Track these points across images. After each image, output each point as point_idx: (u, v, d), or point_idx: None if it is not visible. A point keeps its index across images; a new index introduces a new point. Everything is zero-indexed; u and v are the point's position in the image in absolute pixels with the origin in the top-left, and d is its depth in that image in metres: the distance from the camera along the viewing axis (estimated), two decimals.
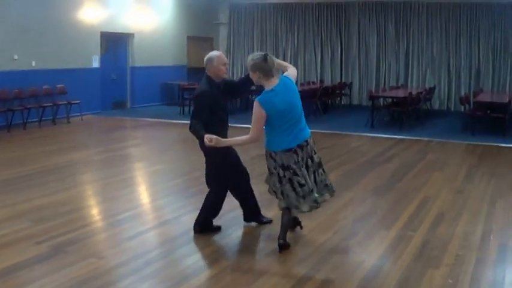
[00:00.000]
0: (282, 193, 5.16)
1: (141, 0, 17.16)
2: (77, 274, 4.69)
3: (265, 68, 5.01)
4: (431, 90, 16.82)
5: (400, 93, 15.20)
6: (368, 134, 12.89)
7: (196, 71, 19.89)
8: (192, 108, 6.28)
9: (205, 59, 5.52)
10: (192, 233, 5.77)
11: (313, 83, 18.24)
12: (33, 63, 13.72)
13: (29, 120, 13.10)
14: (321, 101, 16.40)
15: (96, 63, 15.78)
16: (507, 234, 5.91)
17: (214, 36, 21.23)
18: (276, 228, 5.59)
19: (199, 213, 5.80)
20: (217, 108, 5.45)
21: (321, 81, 18.81)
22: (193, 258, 5.24)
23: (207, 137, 4.96)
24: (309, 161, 5.15)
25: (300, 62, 19.60)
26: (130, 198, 7.37)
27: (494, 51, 17.61)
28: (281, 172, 5.11)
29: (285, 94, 5.03)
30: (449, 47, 18.14)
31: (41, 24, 13.80)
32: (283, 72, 5.31)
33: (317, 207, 5.26)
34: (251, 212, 5.98)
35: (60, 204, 6.81)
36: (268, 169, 5.25)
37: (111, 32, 16.22)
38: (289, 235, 5.39)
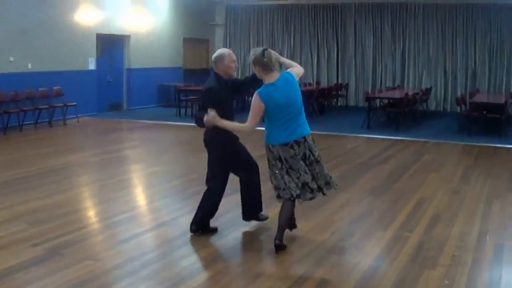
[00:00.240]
0: (285, 183, 5.20)
1: (137, 2, 17.15)
2: (73, 276, 4.68)
3: (263, 63, 5.11)
4: (427, 91, 16.86)
5: (397, 94, 15.22)
6: (364, 135, 12.90)
7: (192, 73, 19.93)
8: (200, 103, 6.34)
9: (214, 56, 5.58)
10: (189, 234, 5.76)
11: (310, 84, 18.24)
12: (29, 66, 13.70)
13: (25, 123, 13.08)
14: (318, 102, 16.40)
15: (92, 65, 15.77)
16: (503, 235, 5.92)
17: (211, 37, 21.23)
18: (272, 229, 5.59)
19: (196, 213, 5.81)
20: (224, 105, 5.48)
21: (317, 82, 18.82)
22: (190, 259, 5.24)
23: (209, 112, 5.19)
24: (309, 155, 5.20)
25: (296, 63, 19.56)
26: (127, 200, 7.36)
27: (491, 52, 17.64)
28: (279, 164, 5.19)
29: (285, 89, 5.12)
30: (445, 48, 18.17)
31: (37, 26, 13.77)
32: (286, 69, 5.38)
33: (313, 197, 5.32)
34: (252, 208, 5.92)
35: (57, 206, 6.80)
36: (268, 161, 5.33)
37: (107, 34, 16.21)
38: (285, 236, 5.39)
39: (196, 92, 16.56)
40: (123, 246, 5.52)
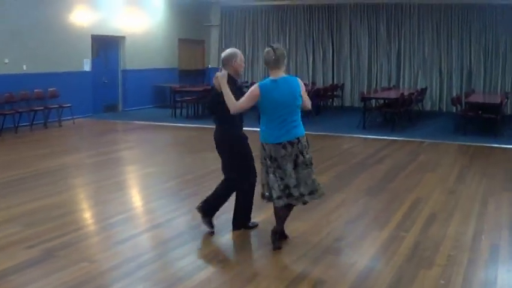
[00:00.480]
0: (268, 183, 5.30)
1: (132, 3, 17.13)
2: (69, 278, 4.67)
3: (266, 59, 5.31)
4: (423, 91, 16.88)
5: (392, 95, 15.22)
6: (360, 136, 12.91)
7: (187, 74, 19.93)
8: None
9: (226, 54, 5.64)
10: (185, 235, 5.77)
11: (305, 84, 18.15)
12: (24, 67, 13.67)
13: (21, 124, 13.05)
14: (313, 103, 16.35)
15: (87, 67, 15.74)
16: (498, 235, 5.93)
17: (206, 38, 21.24)
18: (267, 230, 5.60)
19: (208, 197, 5.84)
20: None
21: (313, 83, 18.84)
22: (186, 260, 5.23)
23: (222, 71, 5.45)
24: (300, 157, 5.23)
25: (291, 64, 19.63)
26: (123, 201, 7.35)
27: (486, 52, 17.68)
28: (269, 163, 5.27)
29: (284, 88, 5.23)
30: (440, 48, 18.21)
31: (32, 27, 13.74)
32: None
33: (291, 204, 5.37)
34: (245, 216, 5.93)
35: (52, 208, 6.79)
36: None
37: (102, 35, 16.18)
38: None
39: (192, 93, 16.61)
40: (119, 247, 5.51)
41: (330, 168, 9.19)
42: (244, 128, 5.79)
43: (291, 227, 5.84)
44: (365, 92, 16.28)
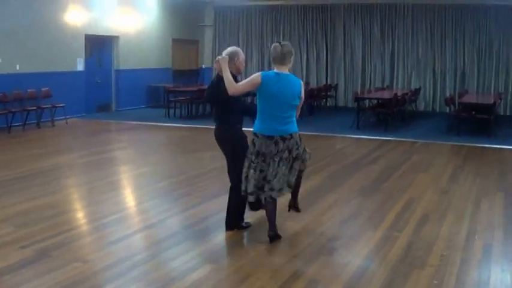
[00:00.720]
0: (247, 176, 5.39)
1: (125, 3, 17.09)
2: (62, 278, 4.65)
3: (272, 54, 5.40)
4: (416, 92, 16.91)
5: (386, 95, 15.24)
6: (353, 136, 12.93)
7: (181, 74, 19.91)
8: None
9: (228, 52, 5.62)
10: (178, 235, 5.78)
11: None
12: (18, 67, 13.63)
13: (14, 124, 13.00)
14: (307, 103, 16.39)
15: (80, 66, 15.70)
16: (492, 234, 5.95)
17: (200, 38, 21.23)
18: (260, 230, 5.60)
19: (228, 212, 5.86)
20: (230, 99, 5.48)
21: (307, 83, 18.82)
22: (179, 260, 5.22)
23: (223, 55, 5.50)
24: (285, 153, 5.32)
25: None
26: (116, 202, 7.34)
27: (479, 53, 17.73)
28: (254, 158, 5.36)
29: (285, 84, 5.32)
30: (434, 48, 18.25)
31: (25, 27, 13.69)
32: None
33: (266, 198, 5.43)
34: (236, 218, 5.90)
35: (46, 208, 6.76)
36: (246, 154, 5.45)
37: (96, 35, 16.14)
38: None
39: (186, 93, 16.59)
40: (112, 247, 5.49)
41: (323, 168, 9.20)
42: (243, 128, 5.78)
43: (284, 227, 5.85)
44: (359, 92, 16.29)
